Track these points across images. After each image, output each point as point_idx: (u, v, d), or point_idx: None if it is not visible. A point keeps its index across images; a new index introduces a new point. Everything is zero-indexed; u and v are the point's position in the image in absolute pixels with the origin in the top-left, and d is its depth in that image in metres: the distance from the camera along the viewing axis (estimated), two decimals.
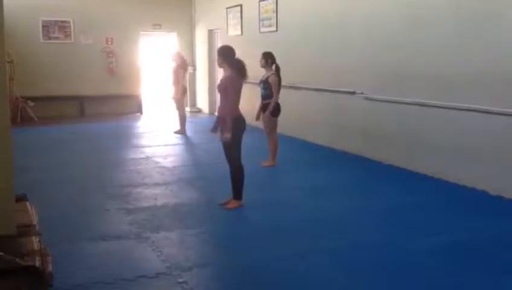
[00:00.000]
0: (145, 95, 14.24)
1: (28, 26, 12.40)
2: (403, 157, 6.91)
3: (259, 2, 10.59)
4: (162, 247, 4.23)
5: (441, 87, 6.27)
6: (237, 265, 3.95)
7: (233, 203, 5.29)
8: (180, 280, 3.61)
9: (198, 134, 10.22)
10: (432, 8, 6.35)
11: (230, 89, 5.14)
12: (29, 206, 3.41)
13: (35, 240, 2.93)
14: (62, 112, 12.90)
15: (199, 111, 14.30)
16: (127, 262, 3.95)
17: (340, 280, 3.66)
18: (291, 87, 9.10)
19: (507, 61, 5.42)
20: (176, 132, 10.31)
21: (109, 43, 13.36)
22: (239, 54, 5.39)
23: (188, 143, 9.56)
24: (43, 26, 12.70)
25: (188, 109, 13.08)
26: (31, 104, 12.11)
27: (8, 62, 10.40)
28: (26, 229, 3.02)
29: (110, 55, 13.37)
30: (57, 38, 12.87)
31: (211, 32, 13.45)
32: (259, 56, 7.22)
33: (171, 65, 10.58)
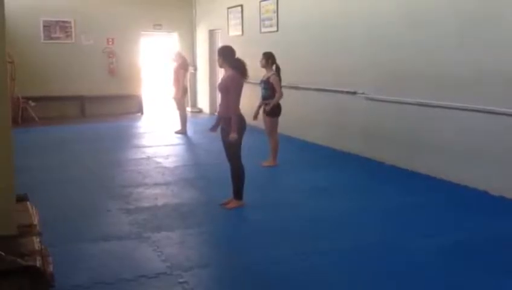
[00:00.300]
0: (146, 95, 14.24)
1: (29, 26, 12.41)
2: (403, 157, 6.91)
3: (260, 2, 10.59)
4: (163, 247, 4.23)
5: (442, 87, 6.27)
6: (238, 265, 3.95)
7: (234, 203, 5.30)
8: (181, 280, 3.62)
9: (199, 134, 10.23)
10: (432, 8, 6.35)
11: (231, 89, 5.15)
12: (30, 207, 3.41)
13: (36, 240, 2.93)
14: (63, 112, 12.91)
15: (200, 111, 14.30)
16: (128, 262, 3.95)
17: (340, 280, 3.66)
18: (291, 87, 9.10)
19: (508, 61, 5.42)
20: (176, 132, 10.32)
21: (110, 43, 13.37)
22: (240, 54, 5.39)
23: (189, 143, 9.57)
24: (44, 26, 12.70)
25: (188, 109, 13.08)
26: (32, 104, 12.13)
27: (9, 62, 10.42)
28: (27, 230, 3.02)
29: (111, 55, 13.37)
30: (58, 38, 12.88)
31: (211, 33, 13.46)
32: (260, 56, 7.23)
33: (172, 65, 10.59)
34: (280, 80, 7.12)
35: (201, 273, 3.80)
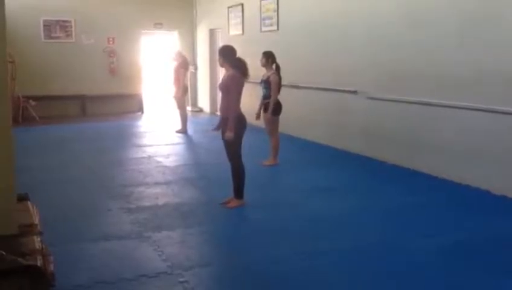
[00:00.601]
0: (147, 94, 14.26)
1: (30, 26, 12.42)
2: (404, 156, 6.90)
3: (260, 1, 10.59)
4: (163, 246, 4.23)
5: (443, 87, 6.27)
6: (238, 264, 3.95)
7: (235, 203, 5.30)
8: (182, 280, 3.62)
9: (200, 133, 10.23)
10: (432, 8, 6.35)
11: (232, 88, 5.14)
12: (30, 206, 3.41)
13: (36, 239, 2.94)
14: (64, 111, 12.92)
15: (200, 110, 14.31)
16: (128, 262, 3.95)
17: (340, 280, 3.66)
18: (292, 86, 9.11)
19: (508, 61, 5.41)
20: (177, 131, 10.32)
21: (110, 42, 13.38)
22: (240, 53, 5.40)
23: (190, 142, 9.57)
24: (44, 26, 12.71)
25: (189, 108, 13.09)
26: (33, 103, 12.14)
27: (10, 62, 10.43)
28: (27, 229, 3.02)
29: (112, 54, 13.38)
30: (58, 38, 12.89)
31: (212, 32, 13.46)
32: (260, 55, 7.23)
33: (172, 64, 10.59)
34: (280, 79, 7.13)
35: (201, 272, 3.80)
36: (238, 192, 5.30)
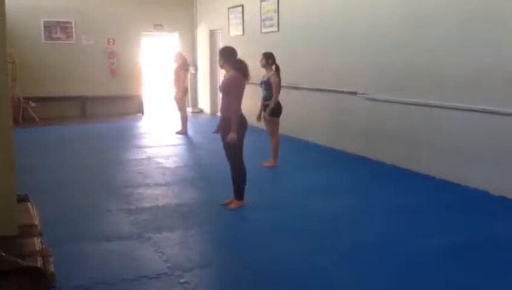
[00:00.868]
0: (147, 95, 14.26)
1: (30, 27, 12.43)
2: (404, 157, 6.90)
3: (260, 2, 10.59)
4: (164, 247, 4.23)
5: (443, 88, 6.27)
6: (239, 265, 3.95)
7: (235, 204, 5.30)
8: (182, 281, 3.62)
9: (200, 134, 10.24)
10: (433, 8, 6.35)
11: (233, 89, 5.14)
12: (30, 207, 3.41)
13: (36, 240, 2.93)
14: (64, 112, 12.92)
15: (201, 111, 14.31)
16: (129, 262, 3.95)
17: (341, 280, 3.66)
18: (292, 87, 9.11)
19: (508, 61, 5.41)
20: (177, 132, 10.32)
21: (111, 43, 13.38)
22: (240, 54, 5.40)
23: (190, 143, 9.57)
24: (44, 27, 12.72)
25: (189, 109, 13.09)
26: (33, 104, 12.14)
27: (10, 63, 10.43)
28: (27, 230, 3.02)
29: (112, 55, 13.38)
30: (58, 39, 12.90)
31: (212, 33, 13.46)
32: (261, 56, 7.23)
33: (173, 65, 10.60)
34: (280, 80, 7.13)
35: (202, 273, 3.80)
36: (239, 193, 5.30)
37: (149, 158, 7.94)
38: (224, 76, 5.39)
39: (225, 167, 5.47)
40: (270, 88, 7.05)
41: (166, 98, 13.55)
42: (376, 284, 3.60)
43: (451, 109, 6.12)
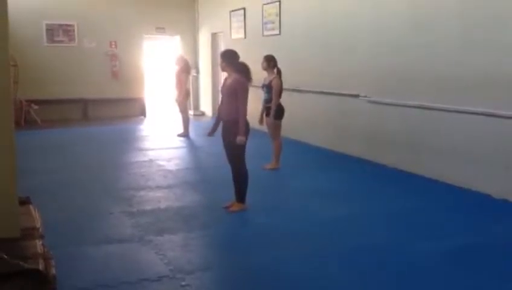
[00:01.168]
0: (149, 98, 14.27)
1: (32, 29, 12.45)
2: (406, 160, 6.90)
3: (262, 5, 10.61)
4: (165, 250, 4.23)
5: (445, 90, 6.27)
6: (240, 268, 3.95)
7: (237, 206, 5.29)
8: (183, 283, 3.62)
9: (202, 137, 10.22)
10: (436, 11, 6.36)
11: (240, 93, 5.13)
12: (32, 209, 3.41)
13: (38, 243, 2.93)
14: (66, 115, 12.94)
15: (202, 114, 14.32)
16: (130, 265, 3.95)
17: (343, 283, 3.66)
18: (294, 90, 9.11)
19: (510, 65, 5.40)
20: (179, 135, 10.33)
21: (113, 46, 13.41)
22: (242, 57, 5.40)
23: (191, 146, 9.57)
24: (47, 29, 12.74)
25: (191, 112, 13.10)
26: (35, 107, 12.16)
27: (13, 65, 10.46)
28: (29, 232, 3.02)
29: (114, 58, 13.41)
30: (60, 41, 12.92)
31: (214, 36, 13.48)
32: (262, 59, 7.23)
33: (174, 68, 10.61)
34: (281, 83, 7.13)
35: (203, 276, 3.80)
36: (241, 196, 5.30)
37: (151, 161, 7.95)
38: (226, 79, 5.39)
39: (226, 169, 5.47)
40: (271, 91, 7.06)
41: (168, 101, 13.56)
42: (377, 286, 3.59)
43: (453, 112, 6.12)
